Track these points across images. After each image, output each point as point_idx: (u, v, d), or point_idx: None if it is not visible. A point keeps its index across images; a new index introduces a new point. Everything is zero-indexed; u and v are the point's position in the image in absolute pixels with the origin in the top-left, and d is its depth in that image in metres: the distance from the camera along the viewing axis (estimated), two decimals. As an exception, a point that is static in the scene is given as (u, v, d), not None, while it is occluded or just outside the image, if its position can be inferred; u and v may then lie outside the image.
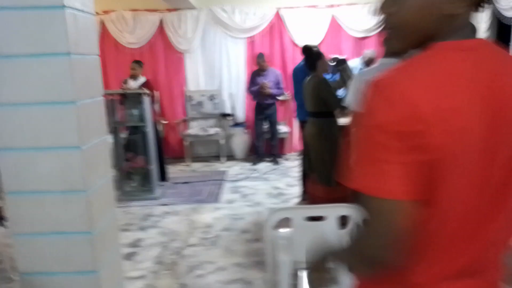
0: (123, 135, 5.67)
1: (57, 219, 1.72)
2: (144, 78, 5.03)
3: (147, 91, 4.32)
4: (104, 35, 5.87)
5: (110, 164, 2.04)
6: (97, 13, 5.73)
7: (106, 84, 5.86)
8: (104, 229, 1.89)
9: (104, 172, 1.92)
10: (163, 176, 4.75)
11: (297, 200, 4.08)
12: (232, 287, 2.55)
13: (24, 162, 1.68)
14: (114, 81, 5.83)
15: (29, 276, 1.80)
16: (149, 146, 4.28)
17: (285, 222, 2.01)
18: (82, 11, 1.75)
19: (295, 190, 4.33)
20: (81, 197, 1.70)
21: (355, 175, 0.59)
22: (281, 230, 2.14)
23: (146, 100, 4.34)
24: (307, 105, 3.14)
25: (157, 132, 4.76)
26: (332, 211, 1.88)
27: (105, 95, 4.44)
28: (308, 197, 3.39)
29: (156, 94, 5.89)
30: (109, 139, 2.00)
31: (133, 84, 4.80)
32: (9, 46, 1.59)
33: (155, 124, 4.70)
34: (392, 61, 1.67)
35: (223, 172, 5.28)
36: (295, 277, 1.98)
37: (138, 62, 5.05)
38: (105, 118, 2.04)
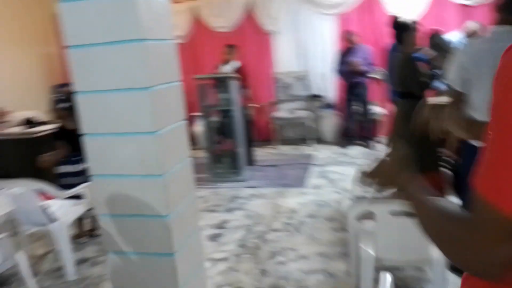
0: (215, 118, 5.90)
1: (136, 202, 1.78)
2: (238, 63, 5.07)
3: (235, 76, 4.34)
4: (196, 20, 6.05)
5: (188, 149, 2.06)
6: None
7: (200, 69, 6.07)
8: (182, 213, 1.91)
9: (181, 157, 1.94)
10: (251, 159, 4.79)
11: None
12: (313, 278, 2.44)
13: (106, 146, 1.76)
14: (208, 66, 6.01)
15: (113, 255, 1.90)
16: (237, 130, 4.32)
17: (371, 213, 1.83)
18: (154, -4, 1.74)
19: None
20: (158, 182, 1.73)
21: (483, 175, 0.47)
22: (366, 222, 1.95)
23: (234, 85, 4.37)
24: (395, 84, 2.82)
25: (246, 116, 4.79)
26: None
27: (197, 79, 4.59)
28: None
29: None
30: (184, 124, 2.02)
31: (226, 69, 4.86)
32: (87, 36, 1.65)
33: (244, 108, 4.73)
34: (508, 30, 1.35)
35: (311, 156, 5.14)
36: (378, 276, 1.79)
37: (231, 46, 5.10)
38: (183, 103, 2.05)
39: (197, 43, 6.13)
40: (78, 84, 1.71)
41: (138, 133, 1.70)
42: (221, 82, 4.46)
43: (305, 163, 4.84)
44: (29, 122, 4.42)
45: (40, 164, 2.96)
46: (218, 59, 5.39)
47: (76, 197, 2.90)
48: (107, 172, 1.78)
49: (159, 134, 1.71)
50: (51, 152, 3.07)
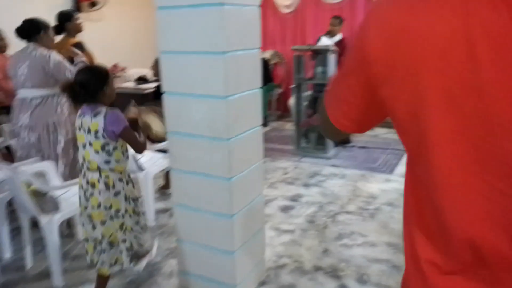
0: (309, 92, 5.82)
1: (203, 162, 1.89)
2: (341, 36, 4.88)
3: (334, 49, 4.19)
4: (305, -10, 5.92)
5: (260, 117, 2.08)
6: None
7: (303, 40, 5.99)
8: (245, 178, 1.97)
9: (251, 124, 1.98)
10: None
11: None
12: (376, 267, 2.34)
13: (182, 106, 1.88)
14: (311, 37, 5.90)
15: (179, 208, 2.06)
16: (327, 105, 4.22)
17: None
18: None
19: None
20: (224, 145, 1.81)
21: (328, 93, 0.73)
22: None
23: (332, 58, 4.23)
24: None
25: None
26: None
27: (294, 50, 4.54)
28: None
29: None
30: (259, 93, 2.04)
31: (327, 41, 4.71)
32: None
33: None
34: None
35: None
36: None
37: (337, 18, 4.92)
38: (259, 69, 2.07)
39: (305, 14, 6.02)
40: (162, 44, 1.83)
41: (211, 96, 1.78)
42: (318, 55, 4.35)
43: (400, 149, 4.54)
44: (141, 79, 4.90)
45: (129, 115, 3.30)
46: (324, 31, 5.24)
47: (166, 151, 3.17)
48: (181, 130, 1.91)
49: (230, 99, 1.77)
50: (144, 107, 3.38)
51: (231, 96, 1.80)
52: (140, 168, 2.86)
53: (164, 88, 1.91)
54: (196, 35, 1.74)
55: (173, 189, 2.04)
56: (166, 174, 3.45)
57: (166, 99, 1.92)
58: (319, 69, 4.39)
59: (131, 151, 1.89)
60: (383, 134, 5.26)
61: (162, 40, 1.83)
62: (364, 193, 3.43)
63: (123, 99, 4.80)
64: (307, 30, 6.01)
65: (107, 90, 1.81)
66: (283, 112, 6.48)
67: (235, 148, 1.86)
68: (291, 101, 5.66)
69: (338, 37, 4.81)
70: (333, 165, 4.11)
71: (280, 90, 6.26)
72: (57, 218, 2.18)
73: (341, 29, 4.95)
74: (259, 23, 1.94)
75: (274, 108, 6.12)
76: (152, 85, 4.51)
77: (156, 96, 3.23)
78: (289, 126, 5.71)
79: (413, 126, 0.56)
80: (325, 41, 4.73)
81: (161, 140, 2.85)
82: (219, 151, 1.85)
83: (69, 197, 2.36)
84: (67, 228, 2.81)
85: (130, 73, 5.19)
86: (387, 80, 0.58)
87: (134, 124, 1.86)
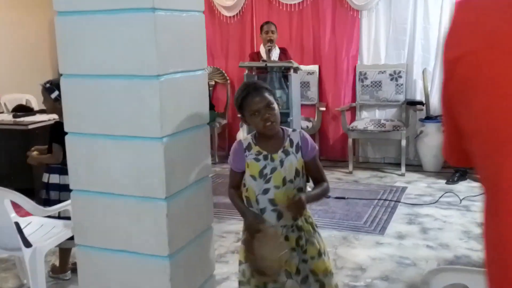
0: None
1: (128, 232, 1.80)
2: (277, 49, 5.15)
3: (295, 65, 4.33)
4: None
5: (209, 163, 2.05)
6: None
7: (253, 53, 6.13)
8: (191, 255, 1.91)
9: (198, 175, 1.95)
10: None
11: None
12: None
13: (94, 152, 1.80)
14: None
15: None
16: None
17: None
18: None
19: None
20: (159, 208, 1.75)
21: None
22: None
23: (295, 78, 4.36)
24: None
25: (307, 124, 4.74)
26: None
27: (243, 68, 4.62)
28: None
29: (313, 70, 5.90)
30: (207, 128, 2.05)
31: (275, 54, 4.91)
32: (80, 0, 1.71)
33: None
34: None
35: (400, 189, 4.97)
36: None
37: (273, 24, 5.24)
38: (207, 99, 2.06)
39: (255, 17, 6.20)
40: (64, 64, 1.77)
41: (139, 137, 1.74)
42: (274, 73, 4.47)
43: (389, 200, 4.68)
44: (21, 109, 4.71)
45: (29, 160, 3.17)
46: (283, 39, 5.43)
47: (63, 217, 3.01)
48: (93, 187, 1.82)
49: (167, 141, 1.74)
50: (43, 147, 3.24)
51: (168, 137, 1.76)
52: (25, 243, 2.68)
53: (67, 126, 1.83)
54: (115, 51, 1.70)
55: (80, 275, 1.91)
56: (63, 252, 3.27)
57: (70, 142, 1.83)
58: (278, 94, 4.49)
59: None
60: (365, 178, 5.42)
61: (63, 58, 1.77)
62: (349, 263, 3.45)
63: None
64: (259, 39, 6.18)
65: None
66: (229, 151, 6.48)
67: (176, 212, 1.81)
68: (240, 135, 5.70)
69: (275, 50, 5.09)
70: (304, 225, 4.13)
71: (223, 121, 6.30)
72: None
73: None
74: (203, 35, 1.95)
75: (216, 146, 6.12)
76: (41, 117, 4.35)
77: (54, 135, 3.08)
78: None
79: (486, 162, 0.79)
80: (264, 55, 4.94)
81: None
82: (151, 216, 1.78)
83: None
84: None
85: (2, 100, 4.98)
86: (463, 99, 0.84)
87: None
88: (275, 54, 5.02)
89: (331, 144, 5.99)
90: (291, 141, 2.16)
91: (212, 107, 5.96)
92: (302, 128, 4.73)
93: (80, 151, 1.82)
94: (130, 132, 1.74)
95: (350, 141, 5.64)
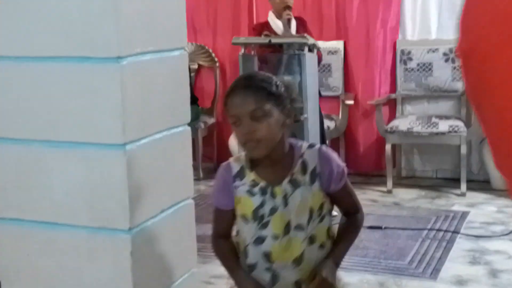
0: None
1: (76, 278, 1.81)
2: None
3: (312, 41, 4.34)
4: None
5: (191, 179, 2.06)
6: None
7: (250, 25, 6.14)
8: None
9: (175, 196, 1.97)
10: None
11: None
12: None
13: (27, 164, 1.81)
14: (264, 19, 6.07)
15: None
16: (307, 149, 4.31)
17: None
18: None
19: None
20: (122, 244, 1.76)
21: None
22: None
23: (310, 58, 4.37)
24: None
25: (322, 125, 4.75)
26: None
27: (236, 45, 4.63)
28: None
29: (338, 47, 5.89)
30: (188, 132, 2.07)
31: (281, 27, 4.87)
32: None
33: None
34: None
35: (459, 215, 4.94)
36: None
37: None
38: (187, 89, 2.07)
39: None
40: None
41: (93, 144, 1.75)
42: (285, 52, 4.48)
43: (445, 230, 4.66)
44: None
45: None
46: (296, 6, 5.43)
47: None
48: (25, 215, 1.83)
49: (134, 149, 1.76)
50: None
51: (133, 144, 1.78)
52: None
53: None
54: (60, 25, 1.72)
55: None
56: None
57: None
58: (286, 80, 4.50)
59: None
60: (411, 200, 5.39)
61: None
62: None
63: None
64: (260, 4, 6.19)
65: None
66: (219, 163, 6.44)
67: (144, 250, 1.83)
68: (233, 140, 5.71)
69: (293, 21, 5.01)
70: (324, 266, 4.12)
71: (210, 120, 6.30)
72: None
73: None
74: (182, 1, 1.97)
75: (200, 155, 6.11)
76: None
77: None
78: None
79: None
80: (280, 26, 4.87)
81: None
82: (109, 256, 1.80)
83: None
84: None
85: None
86: None
87: None
88: (292, 26, 4.99)
89: (361, 152, 5.97)
90: (304, 165, 1.96)
91: (194, 100, 5.94)
92: (322, 129, 4.76)
93: (7, 164, 1.83)
94: (80, 137, 1.75)
95: (388, 147, 5.62)
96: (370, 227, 4.68)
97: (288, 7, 4.80)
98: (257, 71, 2.03)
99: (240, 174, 1.97)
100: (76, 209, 1.78)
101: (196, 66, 6.41)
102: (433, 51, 5.78)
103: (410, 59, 5.84)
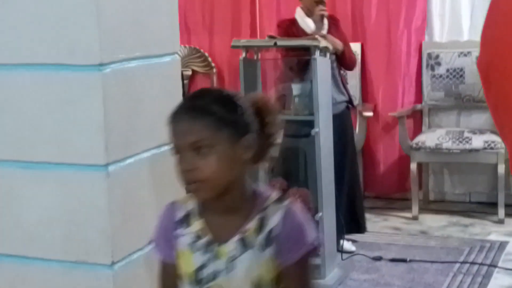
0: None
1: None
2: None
3: (323, 43, 4.36)
4: None
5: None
6: None
7: (253, 26, 6.18)
8: None
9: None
10: (351, 239, 4.72)
11: None
12: None
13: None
14: (268, 20, 6.10)
15: None
16: (319, 167, 4.30)
17: None
18: None
19: None
20: (103, 281, 1.76)
21: None
22: None
23: (323, 63, 4.38)
24: None
25: (347, 139, 4.77)
26: None
27: (236, 48, 4.66)
28: None
29: (355, 50, 5.90)
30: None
31: (311, 24, 4.85)
32: None
33: (344, 118, 4.72)
34: None
35: (497, 246, 4.95)
36: None
37: None
38: (179, 100, 2.07)
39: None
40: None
41: (71, 165, 1.75)
42: (296, 58, 4.49)
43: (480, 263, 4.66)
44: None
45: None
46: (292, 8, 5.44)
47: None
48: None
49: (118, 171, 1.76)
50: None
51: (117, 164, 1.78)
52: None
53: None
54: (35, 28, 1.73)
55: None
56: None
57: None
58: (297, 89, 4.50)
59: None
60: (441, 228, 5.39)
61: None
62: None
63: None
64: (264, 2, 6.23)
65: None
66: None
67: (128, 287, 1.82)
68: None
69: (326, 21, 4.99)
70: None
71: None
72: None
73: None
74: (174, 0, 1.98)
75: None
76: None
77: None
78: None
79: None
80: (310, 24, 4.84)
81: None
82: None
83: None
84: None
85: None
86: None
87: None
88: (325, 26, 4.95)
89: (382, 172, 5.98)
90: (262, 223, 1.67)
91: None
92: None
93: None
94: (55, 157, 1.76)
95: (413, 166, 5.63)
96: (393, 260, 4.69)
97: (321, 2, 4.76)
98: (214, 87, 1.61)
99: (185, 220, 1.73)
100: (50, 241, 1.78)
101: (190, 73, 6.43)
102: (465, 55, 5.79)
103: (439, 64, 5.85)
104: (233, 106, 1.61)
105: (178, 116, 1.59)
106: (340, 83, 4.83)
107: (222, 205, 1.65)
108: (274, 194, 1.72)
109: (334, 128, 4.56)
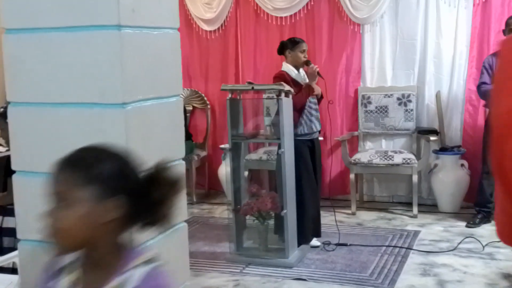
0: (253, 156, 5.89)
1: None
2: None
3: (287, 87, 4.34)
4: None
5: (184, 207, 2.03)
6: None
7: (237, 74, 6.17)
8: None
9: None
10: (306, 230, 4.68)
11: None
12: None
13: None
14: (249, 68, 6.09)
15: None
16: (284, 177, 4.27)
17: None
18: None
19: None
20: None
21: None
22: None
23: (287, 104, 4.37)
24: None
25: (319, 156, 4.78)
26: None
27: (226, 91, 4.63)
28: None
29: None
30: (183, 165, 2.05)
31: (304, 77, 4.84)
32: (32, 16, 1.71)
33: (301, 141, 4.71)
34: None
35: (412, 234, 4.94)
36: None
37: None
38: (182, 130, 2.06)
39: (240, 33, 6.25)
40: (12, 90, 1.76)
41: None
42: (266, 97, 4.48)
43: (400, 246, 4.65)
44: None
45: None
46: (272, 58, 5.39)
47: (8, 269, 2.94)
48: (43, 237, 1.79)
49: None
50: None
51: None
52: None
53: (15, 164, 1.81)
54: (73, 76, 1.71)
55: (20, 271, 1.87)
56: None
57: (18, 183, 1.82)
58: (268, 120, 4.50)
59: None
60: (372, 221, 5.39)
61: (11, 83, 1.77)
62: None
63: None
64: (245, 57, 6.21)
65: None
66: (209, 189, 6.42)
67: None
68: (223, 170, 5.68)
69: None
70: (298, 278, 4.08)
71: (202, 153, 6.28)
72: None
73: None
74: (178, 55, 1.96)
75: (193, 183, 6.09)
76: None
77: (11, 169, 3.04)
78: (220, 213, 5.65)
79: None
80: (303, 75, 4.80)
81: None
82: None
83: None
84: None
85: None
86: None
87: None
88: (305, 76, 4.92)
89: (330, 180, 5.97)
90: (122, 283, 1.32)
91: (189, 136, 5.93)
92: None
93: (30, 194, 1.79)
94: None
95: (352, 176, 5.62)
96: (337, 244, 4.68)
97: (308, 62, 4.77)
98: (108, 144, 1.33)
99: (61, 272, 1.41)
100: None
101: (191, 108, 6.49)
102: (389, 96, 5.87)
103: (370, 102, 5.91)
104: (110, 166, 1.31)
105: (59, 163, 1.32)
106: (318, 117, 4.87)
107: (90, 260, 1.35)
108: (147, 255, 1.37)
109: (312, 148, 4.71)
